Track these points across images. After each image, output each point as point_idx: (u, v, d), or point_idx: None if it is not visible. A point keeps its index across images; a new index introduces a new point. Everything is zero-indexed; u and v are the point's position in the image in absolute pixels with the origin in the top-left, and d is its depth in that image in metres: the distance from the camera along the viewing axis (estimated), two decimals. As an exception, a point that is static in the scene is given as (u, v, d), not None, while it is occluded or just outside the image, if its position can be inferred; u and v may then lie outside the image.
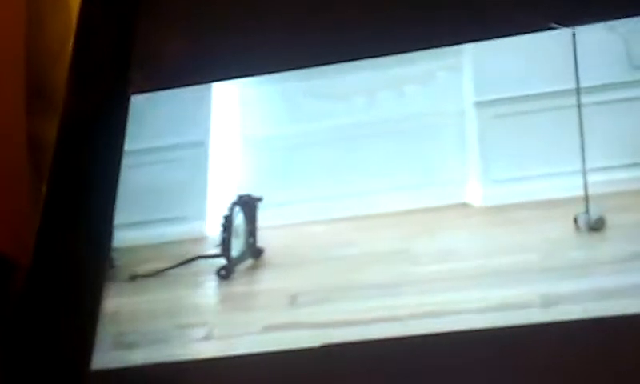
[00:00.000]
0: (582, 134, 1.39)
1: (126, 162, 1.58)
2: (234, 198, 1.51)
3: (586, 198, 1.33)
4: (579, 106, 1.41)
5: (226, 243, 1.50)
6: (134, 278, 1.48)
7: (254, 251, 1.48)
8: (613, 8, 1.46)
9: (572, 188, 1.36)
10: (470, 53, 1.52)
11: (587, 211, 1.32)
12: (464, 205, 1.41)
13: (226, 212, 1.50)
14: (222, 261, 1.48)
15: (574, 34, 1.46)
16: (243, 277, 1.46)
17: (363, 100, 1.54)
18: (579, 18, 1.47)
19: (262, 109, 1.61)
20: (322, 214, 1.46)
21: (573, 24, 1.47)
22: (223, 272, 1.47)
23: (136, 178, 1.58)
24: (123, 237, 1.53)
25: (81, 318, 1.43)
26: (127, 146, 1.60)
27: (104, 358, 1.39)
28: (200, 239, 1.52)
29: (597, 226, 1.31)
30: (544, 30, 1.48)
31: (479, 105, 1.49)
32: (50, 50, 1.75)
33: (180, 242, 1.52)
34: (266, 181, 1.53)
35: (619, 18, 1.45)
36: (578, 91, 1.42)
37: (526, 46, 1.49)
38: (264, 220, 1.48)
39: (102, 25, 1.75)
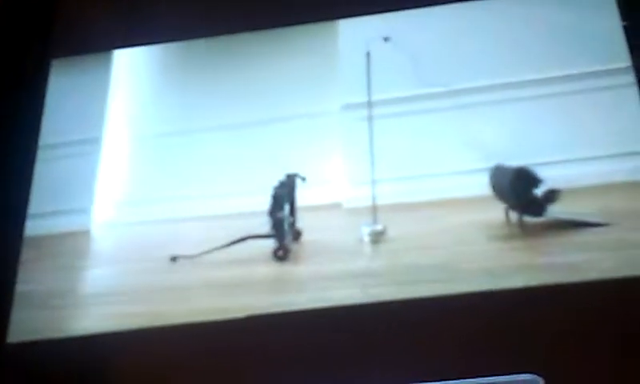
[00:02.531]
0: (371, 147, 1.53)
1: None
2: (282, 178, 1.53)
3: (374, 209, 1.50)
4: (370, 119, 1.55)
5: (279, 224, 1.48)
6: (174, 259, 1.48)
7: (295, 232, 1.49)
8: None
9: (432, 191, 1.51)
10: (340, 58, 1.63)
11: (374, 222, 1.49)
12: (336, 205, 1.52)
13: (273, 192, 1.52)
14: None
15: (368, 53, 1.59)
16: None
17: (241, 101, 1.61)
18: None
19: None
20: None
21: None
22: (281, 253, 1.45)
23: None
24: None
25: None
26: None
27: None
28: (85, 232, 1.56)
29: (376, 239, 1.46)
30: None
31: (347, 107, 1.59)
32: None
33: (63, 236, 1.55)
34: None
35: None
36: (369, 104, 1.57)
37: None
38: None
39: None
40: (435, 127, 1.53)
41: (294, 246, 1.45)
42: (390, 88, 1.57)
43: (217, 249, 1.43)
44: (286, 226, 1.46)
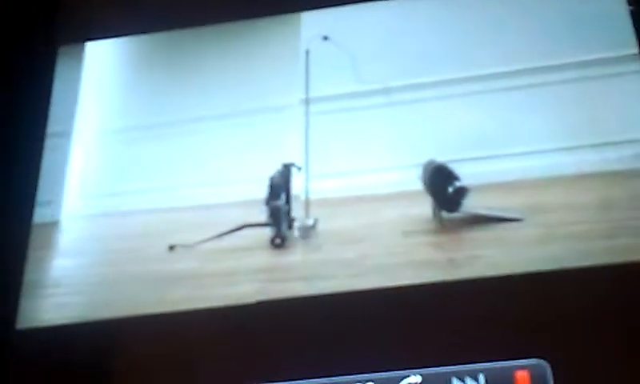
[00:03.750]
0: (306, 143, 1.59)
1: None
2: (279, 167, 1.59)
3: (307, 204, 1.56)
4: (307, 115, 1.61)
5: (275, 213, 1.55)
6: (172, 247, 1.53)
7: (289, 221, 1.56)
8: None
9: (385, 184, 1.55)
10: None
11: (306, 217, 1.54)
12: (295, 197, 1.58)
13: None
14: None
15: (307, 51, 1.65)
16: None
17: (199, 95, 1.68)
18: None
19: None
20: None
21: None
22: (278, 241, 1.50)
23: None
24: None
25: (4, 279, 1.49)
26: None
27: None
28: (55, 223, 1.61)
29: (306, 233, 1.52)
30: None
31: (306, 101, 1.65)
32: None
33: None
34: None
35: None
36: (307, 101, 1.63)
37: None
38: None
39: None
40: (375, 123, 1.57)
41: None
42: (328, 85, 1.62)
43: (214, 237, 1.50)
44: (282, 214, 1.53)
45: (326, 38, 1.61)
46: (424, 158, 1.51)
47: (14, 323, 1.45)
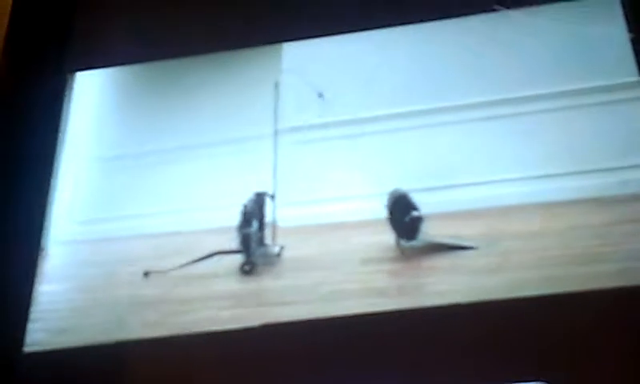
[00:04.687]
0: (275, 172, 1.65)
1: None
2: (251, 196, 1.64)
3: (274, 231, 1.61)
4: (275, 145, 1.66)
5: (245, 240, 1.58)
6: (147, 274, 1.57)
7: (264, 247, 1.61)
8: None
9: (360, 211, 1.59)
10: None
11: (273, 244, 1.60)
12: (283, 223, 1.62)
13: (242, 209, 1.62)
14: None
15: (276, 84, 1.71)
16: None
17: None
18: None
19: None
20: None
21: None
22: (247, 267, 1.55)
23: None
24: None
25: (13, 302, 1.53)
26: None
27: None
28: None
29: (271, 261, 1.57)
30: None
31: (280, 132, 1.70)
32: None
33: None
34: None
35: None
36: (276, 133, 1.68)
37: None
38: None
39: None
40: (343, 153, 1.62)
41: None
42: (298, 116, 1.67)
43: (188, 264, 1.56)
44: (253, 242, 1.58)
45: (291, 71, 1.68)
46: (390, 187, 1.56)
47: (21, 346, 1.47)
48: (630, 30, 1.58)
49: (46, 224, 1.65)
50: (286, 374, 1.35)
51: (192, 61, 1.75)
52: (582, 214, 1.48)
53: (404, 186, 1.55)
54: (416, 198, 1.54)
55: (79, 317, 1.52)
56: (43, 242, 1.64)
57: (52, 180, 1.66)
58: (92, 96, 1.78)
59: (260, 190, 1.61)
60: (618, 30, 1.58)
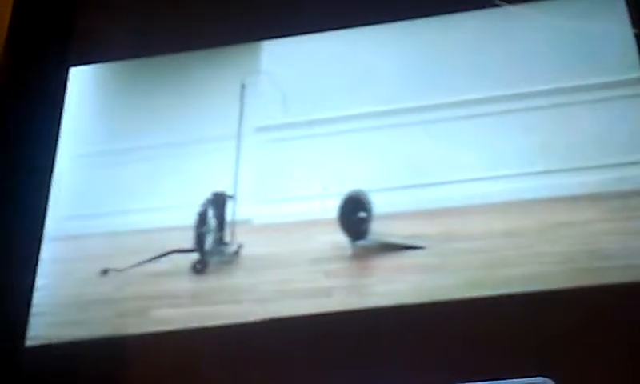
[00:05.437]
0: (236, 171, 1.64)
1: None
2: (208, 196, 1.65)
3: (233, 230, 1.62)
4: (238, 146, 1.67)
5: (200, 239, 1.58)
6: (105, 272, 1.57)
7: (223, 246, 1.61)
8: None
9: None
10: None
11: (232, 243, 1.60)
12: (246, 222, 1.63)
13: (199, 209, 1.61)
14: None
15: (243, 85, 1.70)
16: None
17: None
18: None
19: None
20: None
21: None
22: (199, 266, 1.56)
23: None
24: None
25: (14, 296, 1.53)
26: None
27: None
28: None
29: (229, 259, 1.57)
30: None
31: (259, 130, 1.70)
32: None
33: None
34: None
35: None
36: (239, 133, 1.68)
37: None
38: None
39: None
40: (305, 153, 1.62)
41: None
42: (262, 117, 1.67)
43: (145, 262, 1.56)
44: (208, 241, 1.59)
45: (261, 73, 1.68)
46: (352, 187, 1.55)
47: (23, 340, 1.48)
48: (635, 26, 1.54)
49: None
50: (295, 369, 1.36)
51: (166, 58, 1.76)
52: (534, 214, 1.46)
53: (364, 185, 1.54)
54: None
55: (35, 315, 1.52)
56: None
57: (52, 173, 1.66)
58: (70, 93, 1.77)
59: (223, 189, 1.61)
60: (620, 26, 1.55)
